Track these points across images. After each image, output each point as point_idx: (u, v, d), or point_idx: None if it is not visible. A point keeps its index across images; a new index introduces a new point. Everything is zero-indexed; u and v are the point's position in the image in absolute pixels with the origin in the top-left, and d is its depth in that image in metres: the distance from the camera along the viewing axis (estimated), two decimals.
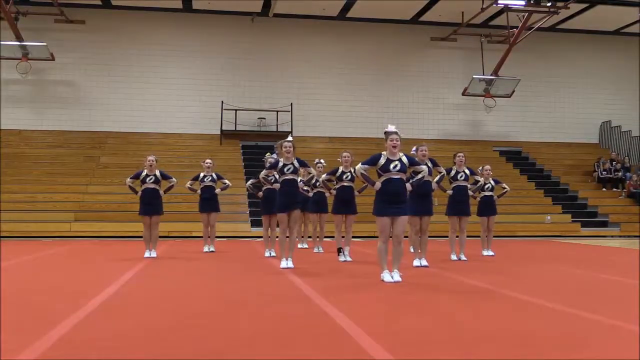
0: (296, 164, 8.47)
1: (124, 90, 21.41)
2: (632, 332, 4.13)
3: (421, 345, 3.79)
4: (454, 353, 3.59)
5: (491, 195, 10.59)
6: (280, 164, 8.47)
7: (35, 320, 4.53)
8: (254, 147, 21.13)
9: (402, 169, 6.73)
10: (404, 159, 6.80)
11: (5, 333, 3.96)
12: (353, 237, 11.00)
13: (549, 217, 18.90)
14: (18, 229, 15.76)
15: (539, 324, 4.42)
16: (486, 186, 10.54)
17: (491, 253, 10.56)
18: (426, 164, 8.41)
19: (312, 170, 9.67)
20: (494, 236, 11.06)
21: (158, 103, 21.51)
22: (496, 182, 10.72)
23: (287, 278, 7.19)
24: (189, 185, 11.34)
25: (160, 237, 10.99)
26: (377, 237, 7.11)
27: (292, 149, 8.47)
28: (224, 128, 21.37)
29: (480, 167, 10.74)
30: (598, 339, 4.03)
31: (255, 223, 16.71)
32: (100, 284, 6.40)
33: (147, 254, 9.96)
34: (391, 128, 6.81)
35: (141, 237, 10.40)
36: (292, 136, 8.93)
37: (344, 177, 9.79)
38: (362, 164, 6.93)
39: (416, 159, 7.69)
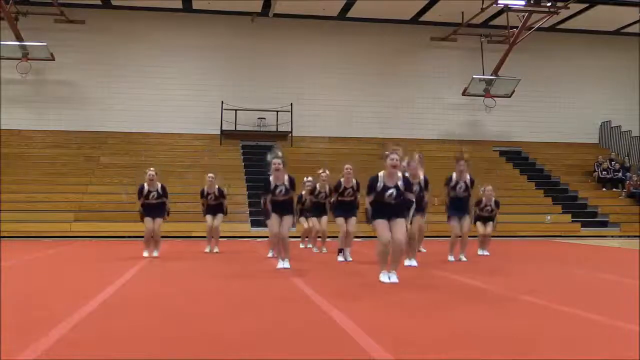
0: (287, 184, 8.01)
1: (124, 90, 21.40)
2: (632, 332, 4.12)
3: (421, 345, 3.79)
4: (453, 353, 3.59)
5: (489, 216, 10.61)
6: (272, 185, 8.03)
7: (35, 320, 4.52)
8: (254, 147, 21.15)
9: (398, 197, 6.66)
10: (401, 184, 6.66)
11: (5, 333, 3.96)
12: (353, 237, 10.99)
13: (549, 217, 18.90)
14: (18, 229, 15.76)
15: (539, 324, 4.42)
16: (485, 207, 10.52)
17: (486, 253, 10.57)
18: (419, 183, 8.58)
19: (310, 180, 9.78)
20: (494, 236, 11.04)
21: (158, 103, 21.50)
22: (497, 204, 10.63)
23: (288, 278, 7.19)
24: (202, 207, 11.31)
25: (161, 237, 10.96)
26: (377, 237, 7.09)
27: (281, 165, 7.93)
28: (224, 128, 21.38)
29: (483, 188, 10.65)
30: (598, 339, 4.03)
31: (255, 223, 16.72)
32: (100, 284, 6.39)
33: (145, 254, 9.94)
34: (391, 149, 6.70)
35: (142, 237, 10.39)
36: (280, 151, 8.19)
37: (346, 193, 9.75)
38: (367, 196, 6.76)
39: (409, 176, 7.41)
